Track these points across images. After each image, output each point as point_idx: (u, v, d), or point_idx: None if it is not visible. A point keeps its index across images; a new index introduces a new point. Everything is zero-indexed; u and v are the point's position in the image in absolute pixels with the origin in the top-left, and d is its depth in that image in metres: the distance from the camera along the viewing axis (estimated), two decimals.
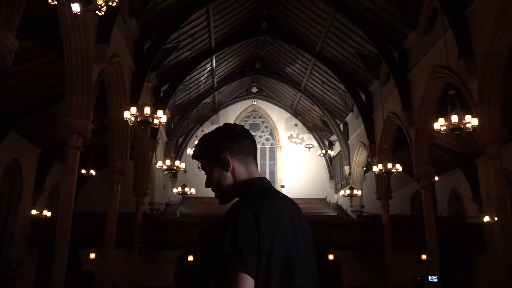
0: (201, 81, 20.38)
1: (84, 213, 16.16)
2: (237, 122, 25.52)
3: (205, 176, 1.57)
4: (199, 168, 1.61)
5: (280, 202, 1.44)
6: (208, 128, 24.54)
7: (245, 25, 18.05)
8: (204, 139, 1.61)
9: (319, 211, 21.36)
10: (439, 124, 9.36)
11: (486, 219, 15.24)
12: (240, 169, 1.51)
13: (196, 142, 1.70)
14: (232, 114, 25.54)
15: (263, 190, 1.47)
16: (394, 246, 15.67)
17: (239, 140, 1.53)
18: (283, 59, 20.82)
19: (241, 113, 25.83)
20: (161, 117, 10.60)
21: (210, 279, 1.51)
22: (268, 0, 17.21)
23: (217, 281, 1.33)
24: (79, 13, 5.48)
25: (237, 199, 1.51)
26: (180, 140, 23.10)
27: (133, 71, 13.47)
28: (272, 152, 25.65)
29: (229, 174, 1.51)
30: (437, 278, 12.74)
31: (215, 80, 21.22)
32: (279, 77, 21.99)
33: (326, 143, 24.60)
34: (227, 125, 1.60)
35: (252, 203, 1.38)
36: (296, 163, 24.69)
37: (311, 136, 24.80)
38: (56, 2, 5.39)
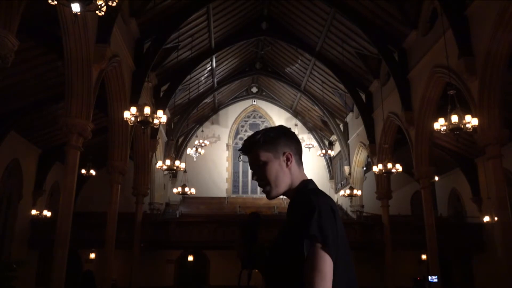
0: (201, 81, 20.38)
1: (84, 213, 16.16)
2: (237, 122, 25.60)
3: (253, 170, 1.65)
4: (239, 160, 1.71)
5: (333, 201, 1.55)
6: (208, 128, 24.61)
7: (245, 25, 18.05)
8: (263, 134, 1.65)
9: None
10: (439, 124, 9.36)
11: (486, 219, 15.24)
12: (295, 168, 1.63)
13: (251, 134, 1.77)
14: (232, 114, 25.55)
15: (319, 190, 1.58)
16: (394, 246, 15.68)
17: (296, 141, 1.67)
18: (283, 59, 20.82)
19: (241, 113, 25.82)
20: (161, 117, 10.60)
21: (249, 271, 1.64)
22: (268, 0, 17.21)
23: (289, 270, 1.43)
24: (79, 13, 5.48)
25: (288, 196, 1.64)
26: (180, 140, 23.10)
27: (133, 71, 13.47)
28: None
29: (287, 170, 1.61)
30: (437, 278, 12.74)
31: (215, 80, 21.22)
32: (279, 77, 21.98)
33: (326, 143, 24.60)
34: (282, 126, 1.70)
35: (323, 197, 1.50)
36: None
37: (311, 136, 24.80)
38: (56, 2, 5.39)
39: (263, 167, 1.61)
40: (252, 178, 1.69)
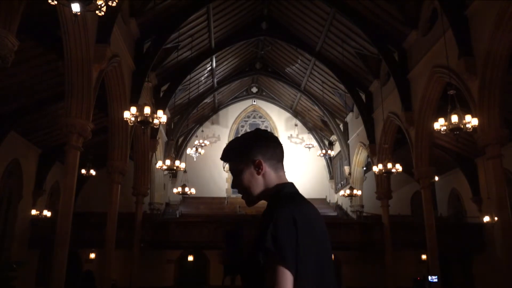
0: (201, 81, 20.38)
1: (84, 213, 16.15)
2: (237, 122, 25.60)
3: (232, 177, 1.66)
4: (224, 169, 1.69)
5: (309, 206, 1.51)
6: (208, 128, 24.61)
7: (245, 25, 18.05)
8: (235, 142, 1.65)
9: (319, 211, 21.33)
10: (439, 124, 9.36)
11: (486, 219, 15.24)
12: (270, 173, 1.57)
13: (226, 144, 1.78)
14: (232, 114, 25.55)
15: (294, 194, 1.54)
16: (394, 246, 15.67)
17: (272, 146, 1.59)
18: (283, 59, 20.82)
19: (241, 113, 25.83)
20: (161, 117, 10.59)
21: (230, 278, 1.64)
22: (268, 0, 17.21)
23: (256, 278, 1.41)
24: (79, 13, 5.48)
25: (267, 201, 1.60)
26: (180, 140, 23.11)
27: (133, 71, 13.47)
28: None
29: (260, 177, 1.57)
30: (437, 278, 12.74)
31: (215, 80, 21.22)
32: (279, 77, 21.98)
33: (326, 143, 24.60)
34: (258, 130, 1.65)
35: (288, 205, 1.45)
36: (296, 163, 24.66)
37: (311, 136, 24.80)
38: (56, 2, 5.39)
39: (238, 175, 1.60)
40: (231, 186, 1.68)
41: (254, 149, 1.57)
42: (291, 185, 1.59)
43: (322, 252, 1.45)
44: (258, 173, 1.56)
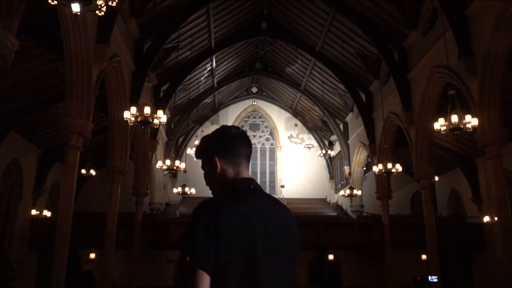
0: (201, 81, 20.38)
1: (84, 213, 16.16)
2: (237, 122, 25.59)
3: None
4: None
5: (253, 203, 1.51)
6: (208, 128, 24.58)
7: (245, 25, 18.05)
8: (201, 141, 1.74)
9: (319, 211, 21.37)
10: (439, 124, 9.36)
11: (486, 219, 15.24)
12: (228, 170, 1.62)
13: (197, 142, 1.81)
14: (232, 114, 25.55)
15: (243, 190, 1.57)
16: (394, 246, 15.67)
17: (229, 145, 1.63)
18: (283, 59, 20.82)
19: (241, 113, 25.83)
20: (161, 117, 10.60)
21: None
22: (268, 0, 17.21)
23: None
24: (79, 13, 5.48)
25: None
26: (180, 140, 23.10)
27: (133, 71, 13.47)
28: (272, 152, 25.65)
29: (219, 174, 1.62)
30: (437, 278, 12.74)
31: (215, 80, 21.22)
32: (279, 77, 21.98)
33: (326, 143, 24.60)
34: (222, 128, 1.69)
35: (217, 203, 1.48)
36: (296, 163, 24.69)
37: (311, 136, 24.80)
38: (56, 2, 5.39)
39: (204, 172, 1.68)
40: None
41: (212, 148, 1.64)
42: (246, 180, 1.61)
43: (261, 251, 1.43)
44: (217, 171, 1.62)
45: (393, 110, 14.78)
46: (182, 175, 19.80)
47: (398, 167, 13.35)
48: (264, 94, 25.33)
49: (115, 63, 11.38)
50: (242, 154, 1.64)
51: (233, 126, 1.70)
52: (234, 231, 1.42)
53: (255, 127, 26.14)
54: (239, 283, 1.39)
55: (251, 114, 26.29)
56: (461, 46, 10.21)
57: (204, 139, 1.71)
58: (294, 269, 1.56)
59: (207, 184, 1.68)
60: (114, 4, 5.68)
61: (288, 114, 25.42)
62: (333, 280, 18.07)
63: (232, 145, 1.63)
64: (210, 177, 1.65)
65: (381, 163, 13.62)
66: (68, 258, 8.98)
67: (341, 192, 18.14)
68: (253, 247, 1.43)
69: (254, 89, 25.15)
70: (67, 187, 9.10)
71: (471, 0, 10.15)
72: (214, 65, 19.60)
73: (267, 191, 25.41)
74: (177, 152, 22.34)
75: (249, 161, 1.68)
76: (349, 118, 20.51)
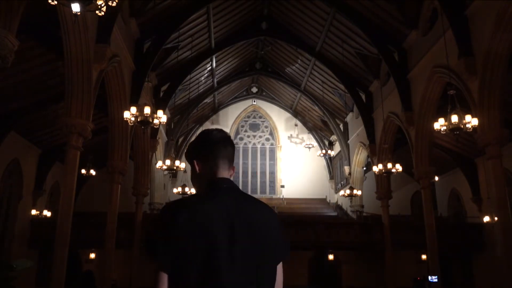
0: (201, 81, 20.38)
1: (84, 213, 16.15)
2: (237, 122, 25.62)
3: None
4: None
5: (218, 202, 1.56)
6: (208, 128, 24.53)
7: (245, 25, 18.05)
8: (187, 146, 1.88)
9: (319, 211, 21.37)
10: (439, 124, 9.36)
11: (486, 219, 15.23)
12: (205, 172, 1.70)
13: None
14: (232, 114, 25.56)
15: (213, 190, 1.63)
16: (394, 246, 15.67)
17: (207, 147, 1.71)
18: (283, 59, 20.82)
19: (241, 113, 25.84)
20: (161, 117, 10.59)
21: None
22: (268, 0, 17.21)
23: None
24: (79, 13, 5.48)
25: None
26: (180, 140, 23.10)
27: (133, 71, 13.46)
28: (272, 152, 25.65)
29: (199, 175, 1.72)
30: (437, 278, 12.74)
31: (215, 80, 21.23)
32: (279, 77, 21.99)
33: (326, 143, 24.60)
34: (201, 132, 1.78)
35: (178, 204, 1.55)
36: (296, 163, 24.69)
37: (311, 136, 24.80)
38: (56, 2, 5.39)
39: (190, 174, 1.80)
40: None
41: (192, 152, 1.74)
42: (219, 180, 1.67)
43: (223, 250, 1.46)
44: (197, 172, 1.72)
45: (393, 110, 14.78)
46: (182, 175, 19.81)
47: (398, 167, 13.35)
48: (264, 94, 25.33)
49: (115, 63, 11.38)
50: (220, 156, 1.70)
51: (214, 130, 1.78)
52: (193, 231, 1.46)
53: (255, 127, 26.14)
54: (198, 283, 1.43)
55: (251, 114, 26.29)
56: (461, 46, 10.21)
57: (189, 145, 1.82)
58: (269, 270, 1.56)
59: (192, 185, 1.79)
60: (114, 4, 5.68)
61: (288, 114, 25.42)
62: (333, 280, 18.07)
63: (209, 148, 1.71)
64: (192, 178, 1.76)
65: (381, 163, 13.62)
66: (68, 258, 8.98)
67: (341, 192, 18.13)
68: (213, 246, 1.46)
69: (254, 89, 25.15)
70: (67, 187, 9.10)
71: (471, 0, 10.15)
72: (214, 65, 19.60)
73: (267, 191, 25.63)
74: (177, 152, 22.33)
75: (229, 162, 1.73)
76: (349, 118, 20.51)
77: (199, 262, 1.44)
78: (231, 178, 1.75)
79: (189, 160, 1.75)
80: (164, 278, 1.45)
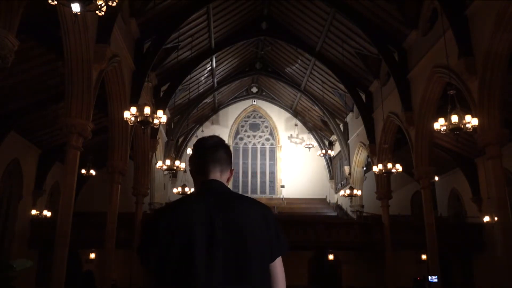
0: (201, 81, 20.38)
1: (84, 213, 16.14)
2: (237, 122, 25.64)
3: None
4: None
5: (200, 203, 1.62)
6: (208, 128, 24.61)
7: (245, 25, 18.05)
8: None
9: (319, 211, 21.37)
10: (439, 124, 9.35)
11: (486, 219, 15.23)
12: (197, 177, 1.81)
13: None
14: (232, 114, 25.56)
15: (197, 192, 1.73)
16: (394, 246, 15.67)
17: (196, 155, 1.83)
18: (283, 59, 20.82)
19: (241, 113, 25.84)
20: (161, 117, 10.59)
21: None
22: (268, 0, 17.20)
23: None
24: (79, 13, 5.48)
25: None
26: (180, 140, 23.10)
27: (133, 71, 13.47)
28: (272, 152, 25.65)
29: (194, 179, 1.84)
30: (437, 278, 12.74)
31: (215, 80, 21.23)
32: (279, 77, 21.99)
33: (326, 143, 24.60)
34: (196, 141, 1.87)
35: (161, 209, 1.67)
36: (296, 163, 24.69)
37: (311, 136, 24.80)
38: (56, 2, 5.39)
39: None
40: None
41: (190, 158, 1.86)
42: (205, 183, 1.75)
43: (200, 251, 1.50)
44: (193, 177, 1.84)
45: (393, 110, 14.78)
46: (182, 175, 19.81)
47: (398, 167, 13.34)
48: (264, 94, 25.33)
49: (115, 63, 11.38)
50: (209, 161, 1.78)
51: (207, 137, 1.88)
52: (172, 233, 1.54)
53: (255, 127, 26.14)
54: (177, 282, 1.49)
55: (251, 114, 26.29)
56: (461, 46, 10.21)
57: None
58: (258, 268, 1.56)
59: None
60: (114, 4, 5.68)
61: (288, 114, 25.42)
62: (333, 280, 18.07)
63: (198, 154, 1.81)
64: (193, 183, 1.86)
65: (381, 163, 13.62)
66: (68, 258, 8.98)
67: (341, 192, 18.13)
68: (191, 246, 1.51)
69: (254, 89, 25.15)
70: (67, 187, 9.10)
71: (471, 0, 10.15)
72: (214, 65, 19.60)
73: (267, 191, 25.63)
74: (177, 152, 22.34)
75: (221, 165, 1.79)
76: (349, 118, 20.51)
77: (175, 259, 1.51)
78: (228, 181, 1.82)
79: (190, 168, 1.87)
80: (152, 279, 1.55)
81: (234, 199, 1.67)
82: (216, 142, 1.82)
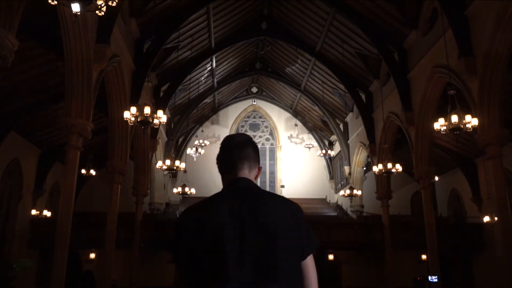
0: (201, 81, 20.38)
1: (84, 213, 16.14)
2: (237, 122, 25.63)
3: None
4: None
5: (228, 201, 1.62)
6: (208, 128, 24.62)
7: (245, 25, 18.05)
8: None
9: (319, 211, 21.36)
10: (439, 124, 9.36)
11: (486, 219, 15.23)
12: (225, 177, 1.80)
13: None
14: (232, 114, 25.56)
15: (226, 190, 1.73)
16: (394, 246, 15.67)
17: (222, 154, 1.82)
18: (283, 59, 20.82)
19: (241, 113, 25.84)
20: (161, 117, 10.59)
21: None
22: (268, 0, 17.21)
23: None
24: (79, 13, 5.48)
25: None
26: (180, 140, 23.11)
27: (133, 71, 13.47)
28: (272, 152, 25.65)
29: (222, 177, 1.82)
30: (437, 278, 12.74)
31: (215, 80, 21.23)
32: (279, 77, 21.98)
33: (326, 143, 24.60)
34: (223, 139, 1.86)
35: (190, 207, 1.67)
36: (296, 163, 24.69)
37: (311, 136, 24.80)
38: (56, 2, 5.39)
39: None
40: None
41: (217, 156, 1.84)
42: (233, 180, 1.74)
43: (231, 247, 1.50)
44: (221, 175, 1.83)
45: (393, 110, 14.78)
46: (182, 175, 19.80)
47: (398, 167, 13.34)
48: (264, 94, 25.33)
49: (115, 63, 11.38)
50: (237, 159, 1.76)
51: (234, 134, 1.87)
52: (200, 230, 1.55)
53: (255, 127, 26.14)
54: (208, 278, 1.50)
55: (251, 114, 26.30)
56: (461, 46, 10.21)
57: None
58: (287, 268, 1.54)
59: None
60: (114, 4, 5.68)
61: (288, 114, 25.41)
62: (333, 280, 18.07)
63: (222, 155, 1.81)
64: (222, 180, 1.84)
65: (381, 163, 13.62)
66: (68, 258, 8.98)
67: (341, 192, 18.13)
68: (221, 244, 1.51)
69: (254, 89, 25.15)
70: (67, 187, 9.10)
71: (471, 0, 10.15)
72: (214, 65, 19.60)
73: (267, 191, 25.39)
74: (177, 152, 22.34)
75: (249, 163, 1.78)
76: (349, 118, 20.51)
77: (206, 257, 1.52)
78: (256, 178, 1.82)
79: (217, 166, 1.84)
80: (183, 275, 1.58)
81: (264, 197, 1.66)
82: (244, 140, 1.81)
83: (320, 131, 24.73)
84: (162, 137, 18.91)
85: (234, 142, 1.80)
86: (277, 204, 1.64)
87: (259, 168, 1.83)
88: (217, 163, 1.83)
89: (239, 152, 1.77)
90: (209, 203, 1.63)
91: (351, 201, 19.10)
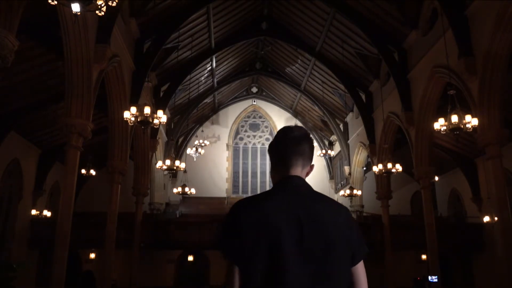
0: (201, 81, 20.37)
1: (84, 213, 16.15)
2: (237, 122, 25.60)
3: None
4: None
5: (283, 199, 1.56)
6: (208, 128, 24.61)
7: (245, 25, 18.04)
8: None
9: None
10: (439, 124, 9.36)
11: (486, 219, 15.23)
12: (274, 176, 1.76)
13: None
14: (232, 114, 25.54)
15: (279, 187, 1.65)
16: (394, 246, 15.67)
17: (273, 150, 1.76)
18: (283, 59, 20.81)
19: (241, 113, 25.82)
20: (161, 117, 10.59)
21: None
22: (268, 0, 17.21)
23: None
24: (79, 13, 5.48)
25: None
26: (180, 140, 23.09)
27: (133, 71, 13.47)
28: None
29: (273, 171, 1.78)
30: (437, 278, 12.74)
31: (215, 80, 21.22)
32: (279, 77, 21.98)
33: (326, 143, 24.59)
34: (278, 131, 1.78)
35: (241, 203, 1.60)
36: None
37: (311, 136, 24.77)
38: (56, 2, 5.39)
39: None
40: None
41: (270, 148, 1.79)
42: (286, 178, 1.67)
43: (288, 247, 1.46)
44: (273, 168, 1.78)
45: (393, 110, 14.78)
46: (182, 175, 19.79)
47: (398, 167, 13.34)
48: (264, 94, 25.32)
49: (115, 63, 11.38)
50: (291, 154, 1.70)
51: (291, 127, 1.77)
52: (253, 227, 1.48)
53: (255, 127, 26.13)
54: (264, 277, 1.45)
55: (251, 114, 26.28)
56: (461, 46, 10.22)
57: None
58: (339, 271, 1.53)
59: (272, 181, 1.83)
60: (114, 4, 5.68)
61: (288, 114, 25.40)
62: None
63: (281, 146, 1.73)
64: (271, 173, 1.80)
65: (381, 163, 13.61)
66: (68, 258, 8.98)
67: (341, 192, 18.12)
68: (278, 242, 1.46)
69: (254, 89, 25.14)
70: (67, 187, 9.10)
71: (471, 0, 10.15)
72: (214, 65, 19.60)
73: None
74: (177, 152, 22.33)
75: (303, 160, 1.71)
76: (349, 118, 20.51)
77: (263, 257, 1.46)
78: (307, 176, 1.75)
79: (269, 155, 1.80)
80: (235, 272, 1.48)
81: (319, 200, 1.61)
82: (301, 134, 1.73)
83: (320, 131, 24.72)
84: (162, 137, 18.91)
85: (291, 136, 1.72)
86: (331, 207, 1.60)
87: (311, 166, 1.75)
88: (269, 152, 1.77)
89: (295, 147, 1.70)
90: (263, 201, 1.56)
91: (351, 201, 19.09)
